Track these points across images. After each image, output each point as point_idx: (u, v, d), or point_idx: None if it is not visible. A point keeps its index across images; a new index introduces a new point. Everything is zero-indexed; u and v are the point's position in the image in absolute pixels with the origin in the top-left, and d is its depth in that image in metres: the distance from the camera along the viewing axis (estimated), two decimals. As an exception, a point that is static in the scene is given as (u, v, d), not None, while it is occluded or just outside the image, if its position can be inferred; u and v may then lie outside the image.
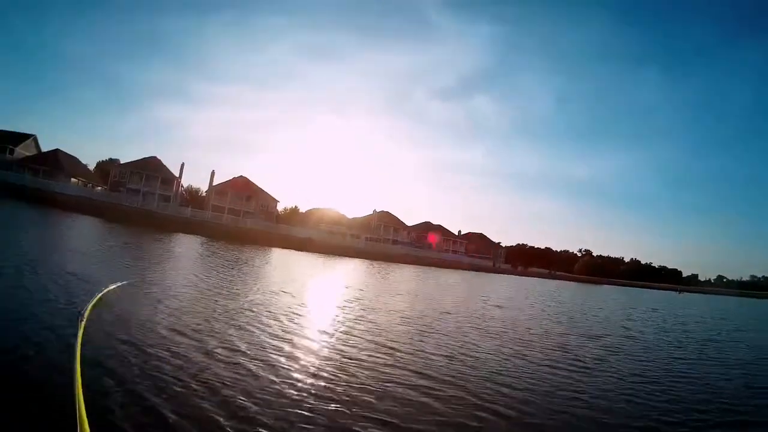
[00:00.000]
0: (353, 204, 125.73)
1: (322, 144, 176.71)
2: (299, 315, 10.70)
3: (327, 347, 8.01)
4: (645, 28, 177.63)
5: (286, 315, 10.34)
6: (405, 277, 34.45)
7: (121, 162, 67.29)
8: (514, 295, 29.14)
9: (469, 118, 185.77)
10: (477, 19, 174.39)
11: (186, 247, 28.86)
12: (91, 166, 77.57)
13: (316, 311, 12.13)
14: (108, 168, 70.40)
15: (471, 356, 8.75)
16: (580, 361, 9.50)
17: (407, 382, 6.46)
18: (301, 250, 50.05)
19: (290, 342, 7.90)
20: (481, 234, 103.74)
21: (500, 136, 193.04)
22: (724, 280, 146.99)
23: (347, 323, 10.59)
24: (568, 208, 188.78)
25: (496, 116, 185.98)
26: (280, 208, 76.73)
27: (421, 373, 7.04)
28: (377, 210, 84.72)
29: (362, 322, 10.95)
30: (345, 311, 12.45)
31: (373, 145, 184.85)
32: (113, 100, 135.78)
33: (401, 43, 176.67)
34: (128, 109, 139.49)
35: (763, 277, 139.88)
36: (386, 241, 76.61)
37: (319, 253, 50.90)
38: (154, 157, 65.71)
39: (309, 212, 78.54)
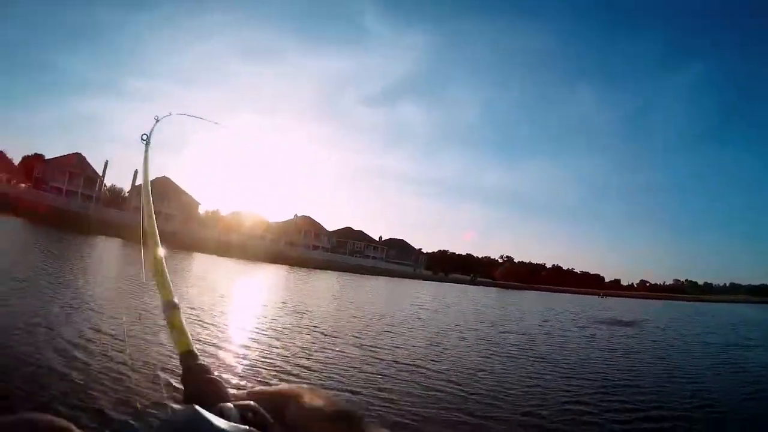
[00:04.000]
0: (274, 208, 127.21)
1: (248, 146, 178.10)
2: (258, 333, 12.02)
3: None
4: (582, 46, 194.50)
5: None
6: (330, 284, 37.38)
7: (46, 158, 65.66)
8: (449, 301, 33.88)
9: (395, 124, 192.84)
10: (412, 28, 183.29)
11: (103, 252, 31.04)
12: (17, 161, 74.46)
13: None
14: (32, 164, 67.55)
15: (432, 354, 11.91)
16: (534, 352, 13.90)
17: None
18: (222, 256, 51.51)
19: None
20: (401, 240, 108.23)
21: (425, 142, 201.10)
22: (647, 284, 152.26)
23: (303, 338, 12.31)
24: (490, 215, 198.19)
25: (422, 123, 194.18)
26: (201, 210, 77.02)
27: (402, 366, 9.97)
28: (298, 215, 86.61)
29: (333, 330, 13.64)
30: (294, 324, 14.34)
31: (299, 148, 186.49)
32: (36, 89, 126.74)
33: (334, 48, 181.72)
34: (52, 101, 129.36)
35: (686, 280, 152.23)
36: (306, 246, 79.50)
37: (240, 258, 52.76)
38: (78, 153, 65.33)
39: (231, 216, 78.64)
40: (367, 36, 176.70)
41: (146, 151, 1.19)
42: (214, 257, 48.42)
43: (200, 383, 0.59)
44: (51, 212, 47.66)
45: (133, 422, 5.00)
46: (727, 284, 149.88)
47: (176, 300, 0.73)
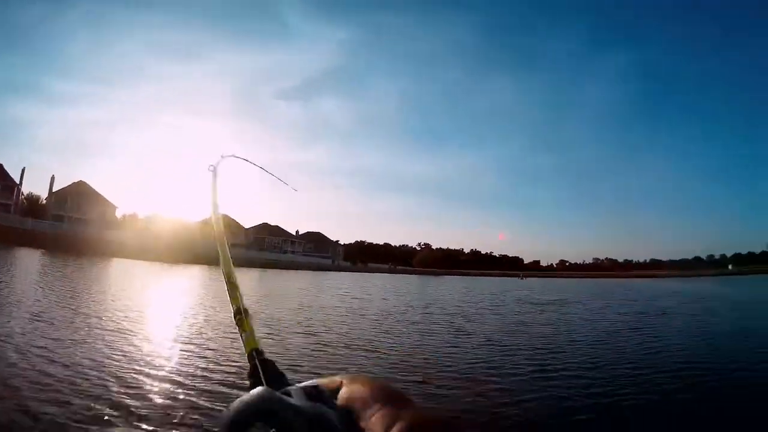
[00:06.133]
0: (192, 208, 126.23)
1: (165, 146, 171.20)
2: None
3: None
4: (503, 35, 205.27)
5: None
6: (252, 280, 37.26)
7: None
8: (370, 290, 34.81)
9: (314, 118, 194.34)
10: (333, 23, 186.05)
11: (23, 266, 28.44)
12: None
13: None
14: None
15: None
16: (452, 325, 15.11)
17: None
18: (141, 259, 52.95)
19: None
20: (318, 233, 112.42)
21: (343, 135, 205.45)
22: (566, 263, 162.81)
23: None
24: (407, 205, 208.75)
25: (340, 116, 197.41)
26: (119, 214, 76.42)
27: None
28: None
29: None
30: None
31: (215, 145, 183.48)
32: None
33: (255, 43, 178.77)
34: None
35: (606, 258, 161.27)
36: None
37: (158, 261, 54.38)
38: (-6, 160, 62.88)
39: (148, 218, 77.92)
40: (288, 31, 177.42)
41: (214, 181, 1.17)
42: (133, 261, 49.29)
43: (267, 375, 0.62)
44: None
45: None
46: (648, 260, 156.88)
47: (245, 306, 0.79)
